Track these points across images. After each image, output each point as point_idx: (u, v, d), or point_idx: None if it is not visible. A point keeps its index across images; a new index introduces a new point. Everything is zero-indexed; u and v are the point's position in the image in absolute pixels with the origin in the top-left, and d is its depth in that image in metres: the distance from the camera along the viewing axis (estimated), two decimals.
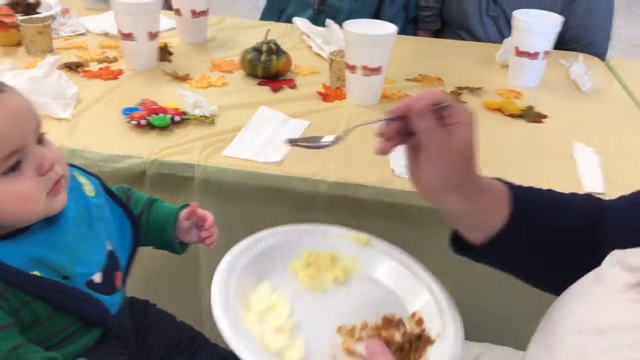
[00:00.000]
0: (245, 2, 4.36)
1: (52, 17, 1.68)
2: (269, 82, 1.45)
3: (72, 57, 1.50)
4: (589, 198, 0.81)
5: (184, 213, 0.93)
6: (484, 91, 1.47)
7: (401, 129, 0.71)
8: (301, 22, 1.82)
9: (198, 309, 1.13)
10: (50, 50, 1.52)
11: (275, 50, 1.47)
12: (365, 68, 1.32)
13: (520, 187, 0.79)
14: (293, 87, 1.45)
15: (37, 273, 0.74)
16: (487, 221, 0.75)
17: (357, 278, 0.82)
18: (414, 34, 2.06)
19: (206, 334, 1.01)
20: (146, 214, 0.93)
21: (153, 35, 1.44)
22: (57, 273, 0.76)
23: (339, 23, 1.71)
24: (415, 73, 1.54)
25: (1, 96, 0.71)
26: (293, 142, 0.78)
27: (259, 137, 1.20)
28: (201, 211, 0.92)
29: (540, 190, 0.81)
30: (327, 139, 0.79)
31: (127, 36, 1.42)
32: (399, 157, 1.13)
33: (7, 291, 0.72)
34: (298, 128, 1.25)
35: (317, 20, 1.87)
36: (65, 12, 1.75)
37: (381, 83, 1.37)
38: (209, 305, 1.18)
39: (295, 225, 0.85)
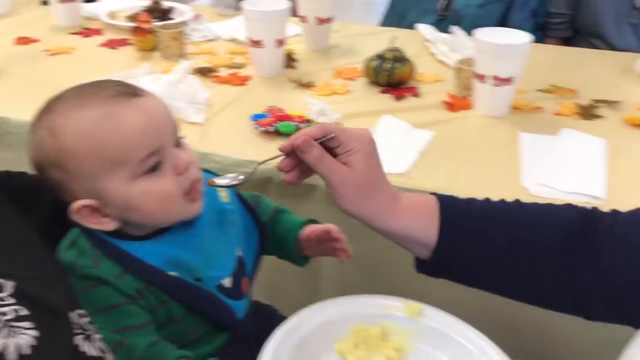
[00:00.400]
0: (360, 6, 4.38)
1: (185, 23, 1.76)
2: (392, 89, 1.44)
3: (202, 62, 1.56)
4: (568, 209, 0.77)
5: (303, 232, 0.91)
6: (623, 105, 1.37)
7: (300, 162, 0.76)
8: (425, 28, 1.78)
9: None
10: (183, 55, 1.59)
11: (399, 57, 1.45)
12: (495, 78, 1.27)
13: (452, 200, 0.80)
14: (416, 95, 1.42)
15: (174, 274, 0.77)
16: (421, 237, 0.77)
17: (413, 356, 0.76)
18: (541, 41, 1.96)
19: None
20: (271, 224, 0.93)
21: (280, 43, 1.47)
22: (191, 275, 0.78)
23: (464, 29, 1.67)
24: (546, 83, 1.46)
25: (140, 100, 0.74)
26: (212, 184, 0.79)
27: (383, 147, 1.17)
28: (320, 227, 0.89)
29: (479, 202, 0.80)
30: (231, 179, 0.79)
31: (256, 43, 1.45)
32: (532, 174, 1.08)
33: (147, 290, 0.76)
34: (422, 139, 1.23)
35: (440, 26, 1.83)
36: (196, 17, 1.83)
37: (511, 94, 1.31)
38: None
39: (338, 299, 0.80)
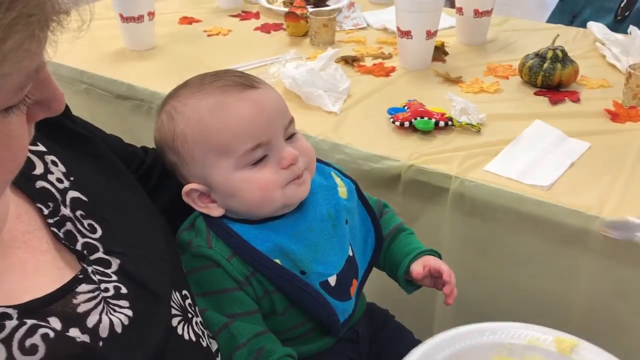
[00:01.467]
0: (532, 1, 4.11)
1: (339, 10, 1.74)
2: (549, 92, 1.31)
3: (350, 50, 1.54)
4: None
5: (417, 264, 0.84)
6: None
7: None
8: (597, 27, 1.61)
9: (430, 327, 1.07)
10: (332, 43, 1.58)
11: (561, 57, 1.31)
12: None
13: None
14: (576, 100, 1.28)
15: (278, 262, 0.75)
16: None
17: None
18: None
19: None
20: (389, 241, 0.88)
21: (431, 34, 1.40)
22: (296, 266, 0.76)
23: None
24: None
25: (253, 92, 0.74)
26: None
27: (529, 155, 1.08)
28: (434, 264, 0.82)
29: None
30: None
31: (405, 34, 1.40)
32: None
33: (253, 277, 0.75)
34: (576, 149, 1.10)
35: (618, 28, 1.64)
36: (350, 5, 1.81)
37: None
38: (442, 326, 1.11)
39: (481, 324, 0.72)
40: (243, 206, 0.75)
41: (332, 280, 0.78)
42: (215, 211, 0.76)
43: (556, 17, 1.96)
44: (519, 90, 1.33)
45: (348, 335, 0.86)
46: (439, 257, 0.85)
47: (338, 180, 0.85)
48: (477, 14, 1.53)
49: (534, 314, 1.01)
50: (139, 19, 1.50)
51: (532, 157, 1.07)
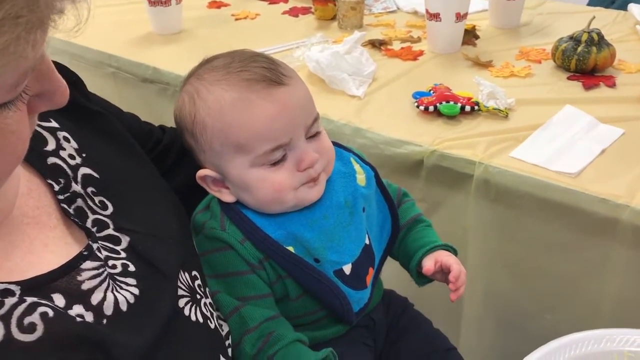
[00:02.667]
0: None
1: None
2: (582, 77, 1.26)
3: (378, 34, 1.51)
4: None
5: (428, 258, 0.81)
6: None
7: None
8: (637, 10, 1.54)
9: (457, 319, 1.05)
10: (360, 27, 1.55)
11: (596, 41, 1.26)
12: None
13: None
14: (612, 85, 1.23)
15: (291, 249, 0.74)
16: None
17: None
18: None
19: (459, 349, 0.92)
20: (404, 233, 0.86)
21: (461, 17, 1.36)
22: (310, 254, 0.75)
23: None
24: None
25: (279, 90, 0.71)
26: None
27: (557, 141, 1.04)
28: (445, 261, 0.79)
29: None
30: None
31: (434, 16, 1.36)
32: None
33: (266, 261, 0.74)
34: (608, 135, 1.06)
35: None
36: None
37: None
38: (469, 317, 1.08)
39: (592, 331, 0.69)
40: (254, 201, 0.74)
41: (347, 269, 0.76)
42: (227, 197, 0.75)
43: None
44: (552, 75, 1.29)
45: (363, 322, 0.84)
46: (455, 252, 0.82)
47: (357, 167, 0.83)
48: None
49: (563, 302, 0.98)
50: (166, 2, 1.50)
51: (561, 143, 1.03)
